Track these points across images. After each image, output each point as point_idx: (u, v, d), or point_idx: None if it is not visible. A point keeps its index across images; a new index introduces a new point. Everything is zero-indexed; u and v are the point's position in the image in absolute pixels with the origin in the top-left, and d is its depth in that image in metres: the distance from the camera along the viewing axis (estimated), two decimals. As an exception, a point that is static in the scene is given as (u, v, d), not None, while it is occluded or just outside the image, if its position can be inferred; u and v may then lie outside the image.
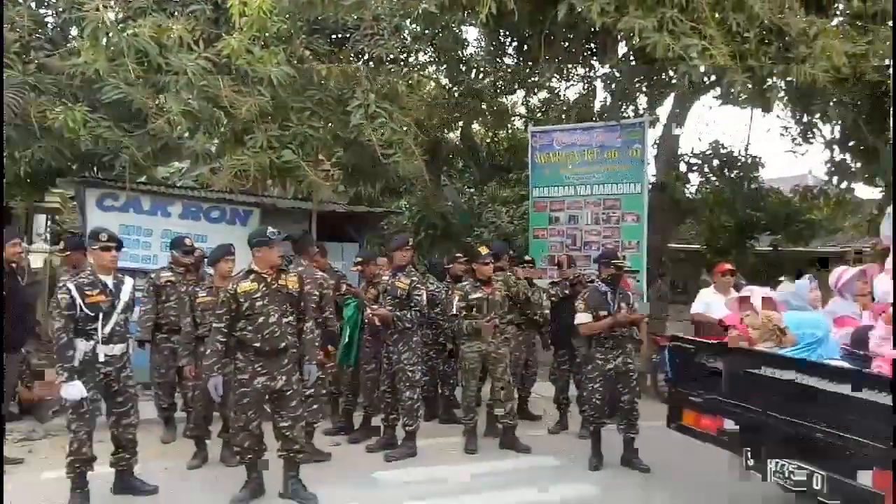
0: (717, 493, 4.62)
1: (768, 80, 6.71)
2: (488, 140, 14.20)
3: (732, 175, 11.79)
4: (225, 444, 4.99)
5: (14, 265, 5.09)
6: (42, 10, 7.39)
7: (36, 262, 9.40)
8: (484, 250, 5.73)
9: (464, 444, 5.50)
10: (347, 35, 8.26)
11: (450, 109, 12.16)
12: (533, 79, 12.21)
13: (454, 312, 5.56)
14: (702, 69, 5.77)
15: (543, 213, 8.54)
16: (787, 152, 17.66)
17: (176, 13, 6.56)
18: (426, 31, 9.27)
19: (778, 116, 10.24)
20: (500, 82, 12.46)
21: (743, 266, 9.49)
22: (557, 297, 6.24)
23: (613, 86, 11.43)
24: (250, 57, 5.98)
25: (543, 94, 13.09)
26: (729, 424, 3.74)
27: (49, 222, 12.36)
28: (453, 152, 14.06)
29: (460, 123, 13.46)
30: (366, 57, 8.95)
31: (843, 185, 8.81)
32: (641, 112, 11.39)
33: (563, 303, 6.16)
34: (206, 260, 5.62)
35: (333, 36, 8.43)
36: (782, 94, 7.15)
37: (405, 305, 5.30)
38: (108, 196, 7.41)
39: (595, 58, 10.17)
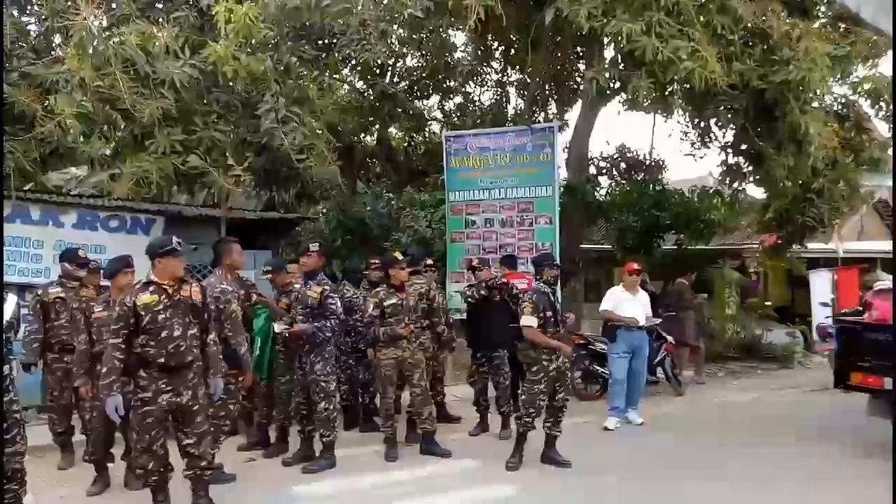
0: (633, 486, 4.80)
1: (668, 86, 7.08)
2: (405, 144, 14.18)
3: (639, 177, 12.36)
4: (128, 468, 4.71)
5: None
6: (24, 18, 6.92)
7: None
8: (399, 255, 5.68)
9: (384, 452, 5.43)
10: (334, 41, 8.11)
11: (364, 113, 12.09)
12: (448, 83, 12.36)
13: (369, 319, 5.49)
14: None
15: (460, 217, 8.60)
16: (686, 155, 18.74)
17: (160, 20, 6.31)
18: (413, 36, 9.18)
19: (678, 122, 10.75)
20: (416, 86, 12.53)
21: (651, 264, 9.92)
22: (474, 300, 6.29)
23: (525, 92, 11.75)
24: (237, 64, 5.80)
25: (458, 99, 13.24)
26: (888, 383, 5.20)
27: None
28: (370, 157, 13.97)
29: (376, 128, 13.40)
30: (353, 62, 8.86)
31: (735, 185, 9.38)
32: (552, 117, 11.74)
33: (481, 305, 6.22)
34: (102, 272, 5.27)
35: (319, 42, 8.27)
36: (680, 99, 7.53)
37: (317, 314, 5.17)
38: (-8, 206, 6.82)
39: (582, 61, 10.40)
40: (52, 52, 6.95)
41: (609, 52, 8.85)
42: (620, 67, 7.55)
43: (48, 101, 6.16)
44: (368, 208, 11.15)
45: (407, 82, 12.53)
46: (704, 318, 10.51)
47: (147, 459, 3.97)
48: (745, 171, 8.98)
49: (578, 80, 11.44)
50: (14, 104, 6.16)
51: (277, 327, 5.28)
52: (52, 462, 5.20)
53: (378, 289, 5.66)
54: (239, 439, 5.82)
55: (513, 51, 11.00)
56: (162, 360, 3.92)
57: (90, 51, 5.79)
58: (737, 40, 6.53)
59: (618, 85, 7.76)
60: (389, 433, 5.45)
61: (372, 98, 11.59)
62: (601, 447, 5.83)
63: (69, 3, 6.79)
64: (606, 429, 6.38)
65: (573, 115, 11.92)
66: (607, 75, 7.09)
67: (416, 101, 12.95)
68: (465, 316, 6.92)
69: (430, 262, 6.76)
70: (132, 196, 7.01)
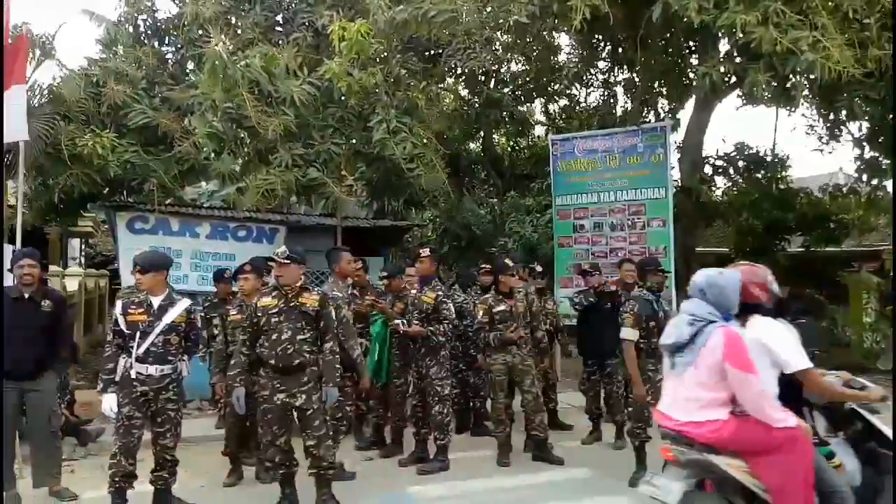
0: None
1: (790, 78, 6.63)
2: (509, 149, 14.21)
3: (759, 176, 11.64)
4: (259, 462, 5.02)
5: (26, 288, 4.60)
6: (164, 48, 7.74)
7: (71, 284, 9.63)
8: (510, 262, 5.68)
9: (496, 457, 5.46)
10: (440, 51, 8.42)
11: (469, 121, 12.25)
12: (553, 86, 12.27)
13: (479, 325, 5.54)
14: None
15: (567, 222, 8.48)
16: (813, 151, 17.40)
17: (280, 42, 6.83)
18: (518, 42, 9.34)
19: (803, 115, 10.00)
20: (520, 91, 12.54)
21: (774, 269, 9.29)
22: (582, 307, 6.16)
23: (634, 91, 11.42)
24: (350, 79, 6.16)
25: (564, 102, 13.09)
26: None
27: (83, 246, 12.65)
28: (474, 163, 14.13)
29: (481, 134, 13.54)
30: (458, 71, 9.18)
31: (875, 182, 8.61)
32: (662, 116, 11.33)
33: (591, 312, 6.10)
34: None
35: (426, 53, 8.61)
36: (806, 91, 7.02)
37: (432, 319, 5.29)
38: (138, 219, 7.57)
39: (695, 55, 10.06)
40: (187, 78, 7.60)
41: (723, 46, 8.43)
42: (736, 61, 7.17)
43: (185, 122, 6.77)
44: (471, 214, 11.28)
45: (511, 87, 12.56)
46: (838, 326, 9.72)
47: (273, 452, 4.22)
48: (884, 166, 8.22)
49: (690, 76, 10.97)
50: (157, 126, 6.82)
51: (394, 323, 5.44)
52: (197, 453, 5.60)
53: (487, 295, 5.71)
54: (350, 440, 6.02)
55: (620, 50, 10.74)
56: (273, 360, 4.15)
57: (220, 74, 6.29)
58: (873, 24, 5.99)
59: (734, 79, 7.38)
60: (501, 438, 5.47)
61: (477, 105, 11.72)
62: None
63: (200, 33, 7.45)
64: None
65: (685, 113, 11.46)
66: (722, 70, 6.76)
67: (520, 105, 12.96)
68: (575, 322, 6.82)
69: (539, 268, 6.73)
70: (258, 207, 7.53)
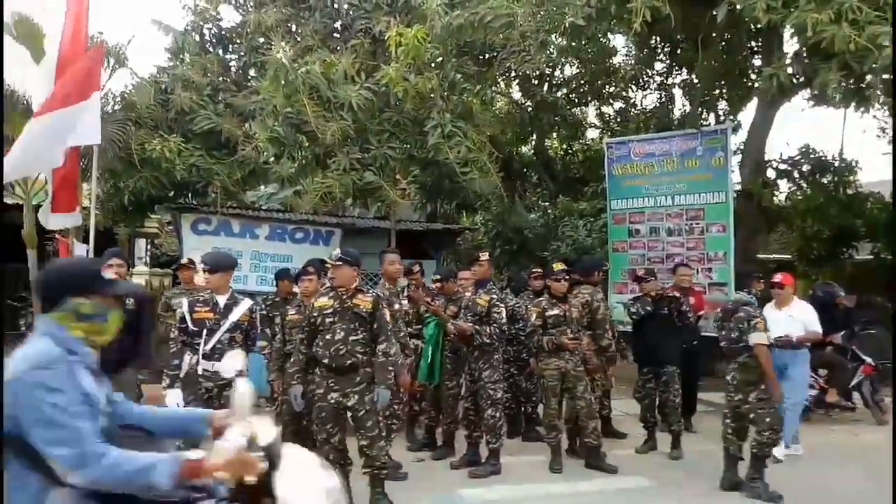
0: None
1: (865, 77, 6.35)
2: (562, 153, 14.09)
3: (825, 180, 11.16)
4: (314, 459, 5.13)
5: None
6: (228, 56, 8.08)
7: (138, 283, 10.05)
8: (557, 266, 5.63)
9: (549, 462, 5.42)
10: (494, 55, 8.49)
11: (523, 124, 12.21)
12: (607, 88, 12.11)
13: (531, 328, 5.52)
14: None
15: (622, 226, 8.36)
16: (885, 154, 16.57)
17: (338, 48, 7.03)
18: (573, 44, 9.32)
19: (874, 117, 9.55)
20: (574, 94, 12.42)
21: (840, 277, 8.92)
22: (639, 316, 6.04)
23: (692, 93, 11.15)
24: (406, 84, 6.27)
25: (619, 105, 12.90)
26: None
27: (148, 246, 13.20)
28: (527, 167, 14.07)
29: (533, 138, 13.47)
30: (512, 74, 9.22)
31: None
32: (722, 118, 11.02)
33: (647, 319, 5.98)
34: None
35: (481, 57, 8.70)
36: (879, 91, 6.70)
37: (485, 322, 5.31)
38: (202, 221, 7.86)
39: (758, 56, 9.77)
40: (249, 84, 7.85)
41: (789, 45, 8.14)
42: (805, 61, 6.91)
43: (246, 127, 7.00)
44: (523, 218, 11.23)
45: (565, 90, 12.46)
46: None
47: (328, 451, 4.27)
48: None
49: (752, 76, 10.64)
50: (220, 131, 7.08)
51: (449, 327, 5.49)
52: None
53: (540, 299, 5.68)
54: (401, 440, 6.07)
55: (679, 51, 10.51)
56: (326, 360, 4.22)
57: (282, 81, 6.48)
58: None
59: (801, 80, 7.12)
60: (554, 444, 5.42)
61: (530, 108, 11.68)
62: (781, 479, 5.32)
63: (262, 41, 7.69)
64: (776, 459, 5.77)
65: (745, 115, 11.12)
66: (789, 70, 6.53)
67: (573, 108, 12.84)
68: (629, 328, 6.70)
69: (604, 267, 6.66)
70: (315, 210, 7.71)
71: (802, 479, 5.20)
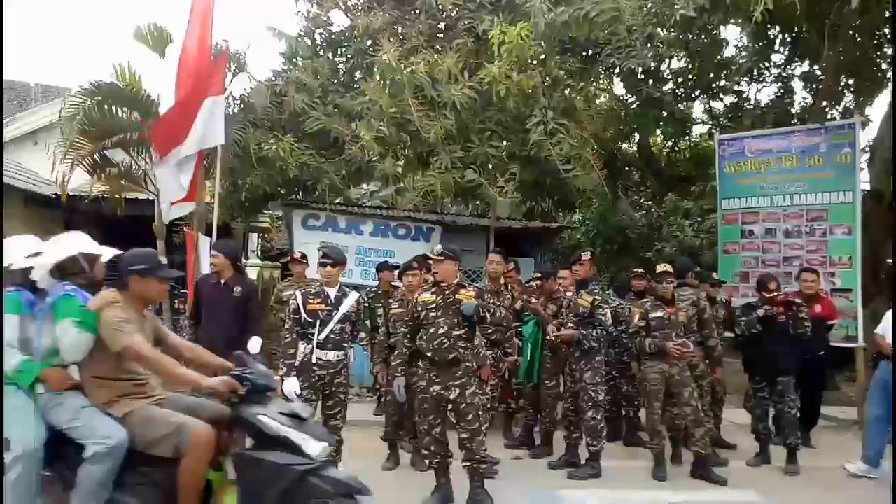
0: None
1: None
2: (666, 150, 13.55)
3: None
4: (415, 450, 5.26)
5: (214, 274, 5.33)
6: (337, 59, 8.54)
7: (251, 275, 10.69)
8: (662, 268, 5.43)
9: (651, 469, 5.25)
10: (598, 51, 8.42)
11: (626, 120, 11.83)
12: (718, 82, 11.50)
13: (634, 330, 5.36)
14: None
15: (734, 226, 7.93)
16: None
17: (442, 48, 7.22)
18: (681, 37, 9.06)
19: None
20: (681, 89, 11.88)
21: None
22: (750, 333, 5.63)
23: (814, 86, 10.40)
24: (509, 82, 6.33)
25: (730, 99, 12.21)
26: None
27: (260, 240, 14.00)
28: (629, 164, 13.63)
29: (636, 134, 13.03)
30: (617, 69, 9.09)
31: None
32: (848, 112, 10.19)
33: (765, 326, 5.62)
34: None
35: (584, 53, 8.66)
36: None
37: (587, 323, 5.22)
38: (311, 217, 8.24)
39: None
40: (356, 86, 8.11)
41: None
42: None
43: (353, 127, 7.24)
44: (626, 217, 10.91)
45: (672, 85, 11.94)
46: None
47: (429, 442, 4.38)
48: None
49: (884, 66, 9.75)
50: (329, 131, 7.36)
51: (549, 329, 5.45)
52: (358, 436, 5.95)
53: (644, 300, 5.51)
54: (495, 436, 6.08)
55: (801, 40, 9.81)
56: (430, 353, 4.31)
57: (388, 81, 6.66)
58: None
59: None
60: (657, 450, 5.25)
61: (634, 104, 11.29)
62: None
63: (370, 43, 7.93)
64: (851, 474, 5.30)
65: (875, 109, 10.21)
66: None
67: (680, 104, 12.28)
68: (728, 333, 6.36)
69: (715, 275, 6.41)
70: (416, 207, 7.88)
71: None
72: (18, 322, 3.05)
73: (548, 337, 5.53)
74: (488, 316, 4.33)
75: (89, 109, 7.14)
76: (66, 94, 8.58)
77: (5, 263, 3.15)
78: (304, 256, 7.16)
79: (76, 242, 3.29)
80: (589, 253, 5.52)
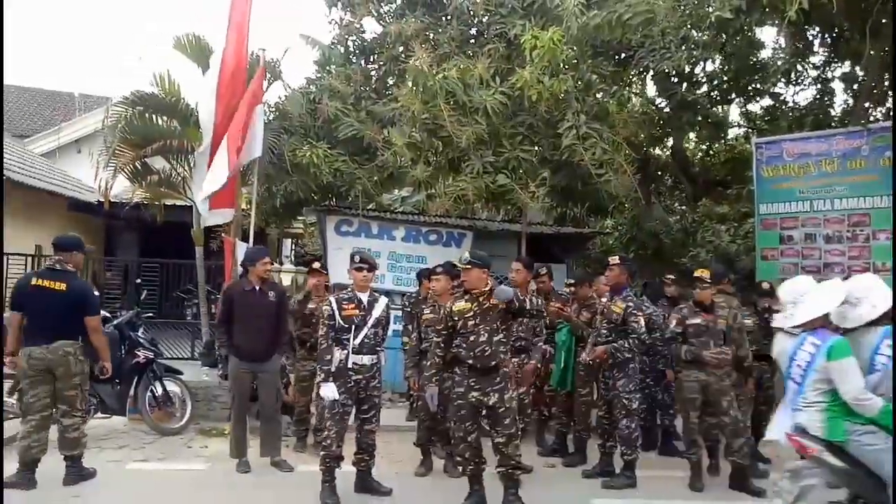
0: None
1: None
2: (701, 154, 13.33)
3: None
4: (448, 457, 5.25)
5: (263, 281, 5.34)
6: (369, 66, 8.66)
7: (285, 280, 10.84)
8: (702, 273, 5.33)
9: (688, 479, 5.15)
10: (631, 54, 8.37)
11: (659, 124, 11.68)
12: (754, 85, 11.28)
13: (670, 336, 5.28)
14: None
15: (773, 232, 7.76)
16: None
17: (474, 53, 7.25)
18: (716, 39, 8.95)
19: None
20: (716, 91, 11.69)
21: None
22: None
23: (855, 87, 10.13)
24: (541, 87, 6.32)
25: (767, 102, 11.97)
26: None
27: (293, 246, 14.19)
28: (662, 168, 13.44)
29: (670, 138, 12.85)
30: (650, 73, 8.99)
31: None
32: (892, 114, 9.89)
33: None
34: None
35: (616, 56, 8.61)
36: None
37: (620, 331, 5.15)
38: (344, 222, 8.31)
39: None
40: (388, 93, 8.18)
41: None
42: None
43: (385, 133, 7.30)
44: (658, 222, 10.75)
45: (706, 88, 11.76)
46: None
47: (464, 448, 4.36)
48: None
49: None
50: (362, 137, 7.44)
51: (582, 358, 5.43)
52: (391, 441, 6.00)
53: (682, 306, 5.42)
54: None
55: (840, 40, 9.57)
56: (470, 360, 4.29)
57: (421, 87, 6.69)
58: None
59: None
60: (694, 460, 5.15)
61: (668, 108, 11.15)
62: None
63: (402, 49, 7.98)
64: None
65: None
66: None
67: (715, 107, 12.08)
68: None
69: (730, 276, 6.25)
70: (447, 212, 7.89)
71: None
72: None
73: (580, 360, 5.49)
74: (527, 303, 4.26)
75: (131, 118, 7.35)
76: (107, 104, 8.85)
77: None
78: (324, 268, 6.52)
79: None
80: (618, 258, 5.44)
